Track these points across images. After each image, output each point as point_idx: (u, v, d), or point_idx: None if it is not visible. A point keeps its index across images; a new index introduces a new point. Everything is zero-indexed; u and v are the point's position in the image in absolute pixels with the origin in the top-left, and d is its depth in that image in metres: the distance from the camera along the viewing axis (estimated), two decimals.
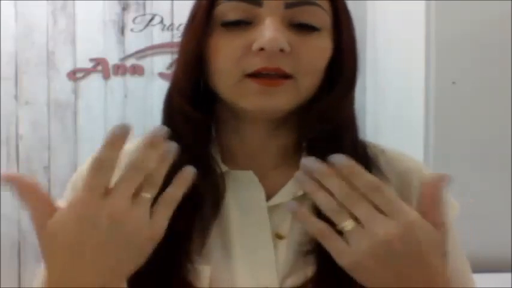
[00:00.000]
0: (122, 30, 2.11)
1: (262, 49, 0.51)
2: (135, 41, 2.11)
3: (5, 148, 2.10)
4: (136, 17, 2.11)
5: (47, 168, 2.12)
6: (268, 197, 0.59)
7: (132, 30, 2.11)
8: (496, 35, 1.46)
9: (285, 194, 0.59)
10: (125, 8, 2.11)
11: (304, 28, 0.54)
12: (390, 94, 1.78)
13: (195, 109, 0.57)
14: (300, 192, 0.58)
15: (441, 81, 1.49)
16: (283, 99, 0.54)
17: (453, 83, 1.48)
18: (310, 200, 0.58)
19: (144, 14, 2.11)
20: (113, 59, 2.11)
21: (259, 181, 0.59)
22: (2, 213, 2.07)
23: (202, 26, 0.55)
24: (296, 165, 0.60)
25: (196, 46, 0.55)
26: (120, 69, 2.11)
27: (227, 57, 0.54)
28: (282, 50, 0.51)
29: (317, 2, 0.54)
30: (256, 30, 0.52)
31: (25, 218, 2.07)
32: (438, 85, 1.49)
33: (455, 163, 1.47)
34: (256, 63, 0.52)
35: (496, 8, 1.46)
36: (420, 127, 1.52)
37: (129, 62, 2.11)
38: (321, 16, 0.54)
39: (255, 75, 0.53)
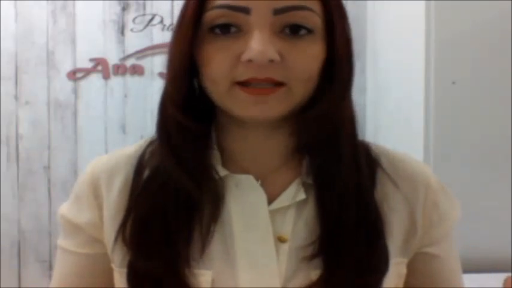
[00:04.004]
0: (122, 30, 2.11)
1: (250, 60, 0.51)
2: (135, 41, 2.11)
3: (5, 148, 2.10)
4: (136, 17, 2.11)
5: (47, 168, 2.12)
6: (270, 200, 0.59)
7: (132, 30, 2.11)
8: (496, 35, 1.46)
9: (287, 198, 0.59)
10: (125, 8, 2.11)
11: (295, 32, 0.53)
12: (390, 94, 1.78)
13: (188, 116, 0.57)
14: (302, 197, 0.58)
15: (441, 81, 1.49)
16: (276, 106, 0.53)
17: (453, 83, 1.48)
18: (311, 204, 0.58)
19: (144, 14, 2.11)
20: (113, 59, 2.11)
21: (261, 184, 0.59)
22: (2, 213, 2.07)
23: (190, 33, 0.54)
24: (297, 167, 0.60)
25: (185, 54, 0.55)
26: (120, 69, 2.11)
27: (218, 66, 0.53)
28: (271, 61, 0.51)
29: (307, 5, 0.53)
30: (245, 39, 0.52)
31: (25, 218, 2.08)
32: (438, 85, 1.49)
33: (455, 163, 1.47)
34: (246, 73, 0.52)
35: (496, 8, 1.46)
36: (420, 127, 1.52)
37: (129, 62, 2.12)
38: (311, 19, 0.53)
39: (244, 83, 0.53)
